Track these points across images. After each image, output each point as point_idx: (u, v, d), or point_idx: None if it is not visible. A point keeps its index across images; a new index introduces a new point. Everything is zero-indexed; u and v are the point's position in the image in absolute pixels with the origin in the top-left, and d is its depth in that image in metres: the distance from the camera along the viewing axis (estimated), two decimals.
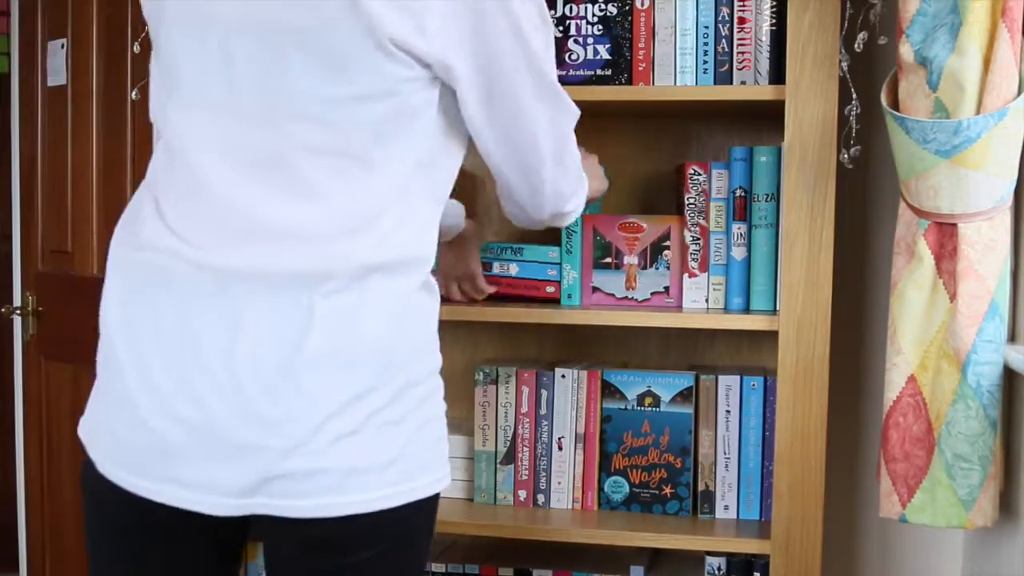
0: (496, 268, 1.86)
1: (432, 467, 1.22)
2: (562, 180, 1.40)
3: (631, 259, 1.83)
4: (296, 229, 1.14)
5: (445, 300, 1.89)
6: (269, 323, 1.13)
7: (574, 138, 1.39)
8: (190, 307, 1.14)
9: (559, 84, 1.31)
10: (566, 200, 1.44)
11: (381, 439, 1.16)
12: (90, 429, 1.23)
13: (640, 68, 1.78)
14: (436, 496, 1.24)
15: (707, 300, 1.80)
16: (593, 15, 1.79)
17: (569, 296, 1.84)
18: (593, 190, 1.62)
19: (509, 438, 1.87)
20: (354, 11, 1.11)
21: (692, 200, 1.80)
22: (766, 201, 1.76)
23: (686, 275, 1.81)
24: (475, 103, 1.22)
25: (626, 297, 1.82)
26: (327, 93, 1.13)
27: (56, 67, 2.52)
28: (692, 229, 1.80)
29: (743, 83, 1.75)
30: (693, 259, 1.80)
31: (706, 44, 1.76)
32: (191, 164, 1.18)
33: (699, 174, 1.79)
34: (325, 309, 1.13)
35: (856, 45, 1.64)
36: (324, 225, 1.15)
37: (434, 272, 1.26)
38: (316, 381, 1.13)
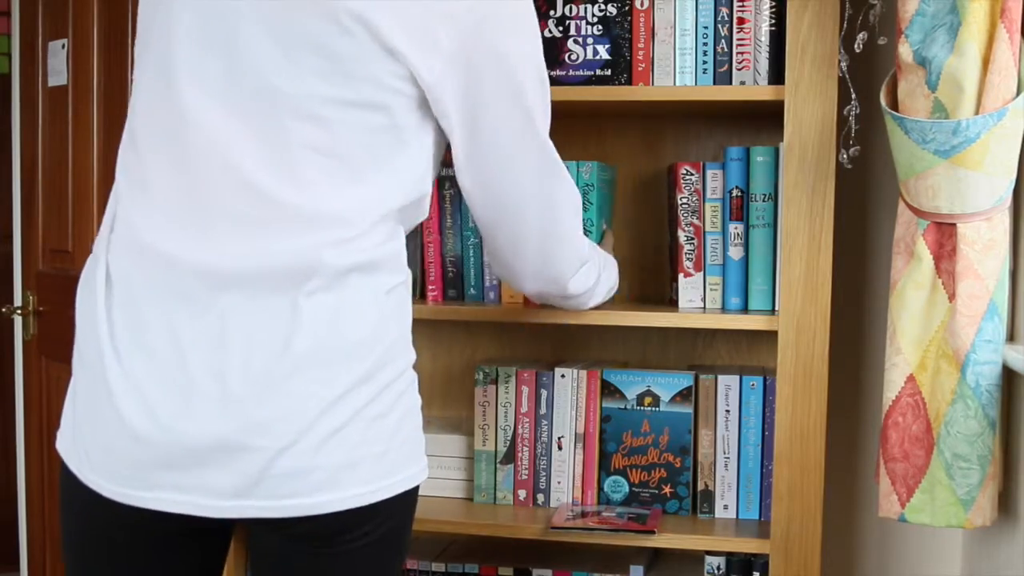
0: None
1: (416, 456, 1.26)
2: (554, 258, 1.40)
3: None
4: (291, 216, 1.16)
5: (448, 299, 1.89)
6: (255, 328, 1.15)
7: (575, 216, 1.39)
8: (177, 318, 1.16)
9: (555, 154, 1.33)
10: (558, 282, 1.44)
11: (369, 433, 1.18)
12: (71, 442, 1.23)
13: (640, 68, 1.78)
14: (418, 485, 1.28)
15: (703, 300, 1.81)
16: (593, 15, 1.79)
17: None
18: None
19: (509, 438, 1.88)
20: (365, 25, 1.14)
21: (685, 200, 1.80)
22: (763, 201, 1.76)
23: (681, 275, 1.81)
24: (460, 146, 1.26)
25: None
26: (328, 94, 1.16)
27: (57, 67, 2.52)
28: (686, 229, 1.80)
29: (742, 83, 1.75)
30: (688, 259, 1.80)
31: (705, 44, 1.76)
32: (197, 148, 1.17)
33: (691, 174, 1.80)
34: (309, 309, 1.15)
35: (855, 45, 1.65)
36: (314, 218, 1.16)
37: None
38: (305, 380, 1.15)
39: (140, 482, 1.16)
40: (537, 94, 1.29)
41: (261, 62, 1.16)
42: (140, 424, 1.15)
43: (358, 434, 1.17)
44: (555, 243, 1.38)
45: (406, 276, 1.27)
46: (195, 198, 1.17)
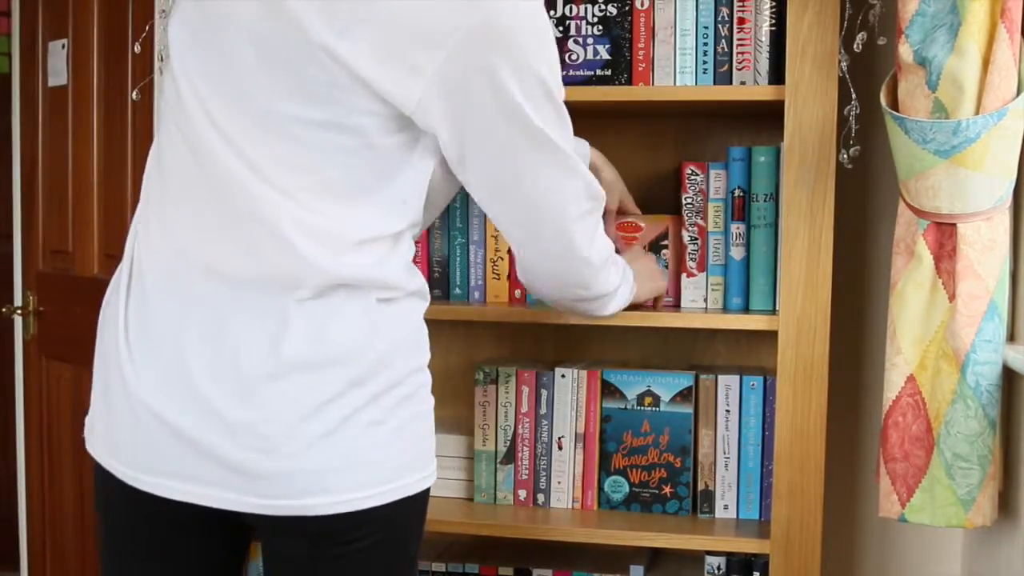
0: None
1: (419, 464, 1.25)
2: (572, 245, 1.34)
3: None
4: (283, 227, 1.17)
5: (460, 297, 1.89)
6: (249, 330, 1.17)
7: (592, 219, 1.34)
8: (182, 316, 1.19)
9: (573, 158, 1.27)
10: (582, 284, 1.40)
11: (363, 439, 1.19)
12: (91, 427, 1.29)
13: (640, 68, 1.78)
14: (426, 491, 1.27)
15: (705, 300, 1.81)
16: (593, 15, 1.79)
17: None
18: (644, 292, 1.64)
19: (509, 438, 1.88)
20: (335, 59, 1.14)
21: (689, 200, 1.80)
22: (765, 201, 1.76)
23: (684, 275, 1.81)
24: (456, 160, 1.23)
25: None
26: (300, 114, 1.16)
27: (57, 67, 2.52)
28: (690, 229, 1.80)
29: (743, 83, 1.75)
30: (691, 259, 1.80)
31: (706, 44, 1.76)
32: (216, 165, 1.20)
33: (696, 174, 1.80)
34: (298, 315, 1.17)
35: (856, 45, 1.65)
36: (302, 233, 1.17)
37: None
38: (290, 384, 1.16)
39: (147, 468, 1.20)
40: (537, 107, 1.21)
41: (249, 78, 1.18)
42: (148, 420, 1.19)
43: (350, 440, 1.18)
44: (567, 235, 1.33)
45: (409, 286, 1.26)
46: (202, 204, 1.20)
